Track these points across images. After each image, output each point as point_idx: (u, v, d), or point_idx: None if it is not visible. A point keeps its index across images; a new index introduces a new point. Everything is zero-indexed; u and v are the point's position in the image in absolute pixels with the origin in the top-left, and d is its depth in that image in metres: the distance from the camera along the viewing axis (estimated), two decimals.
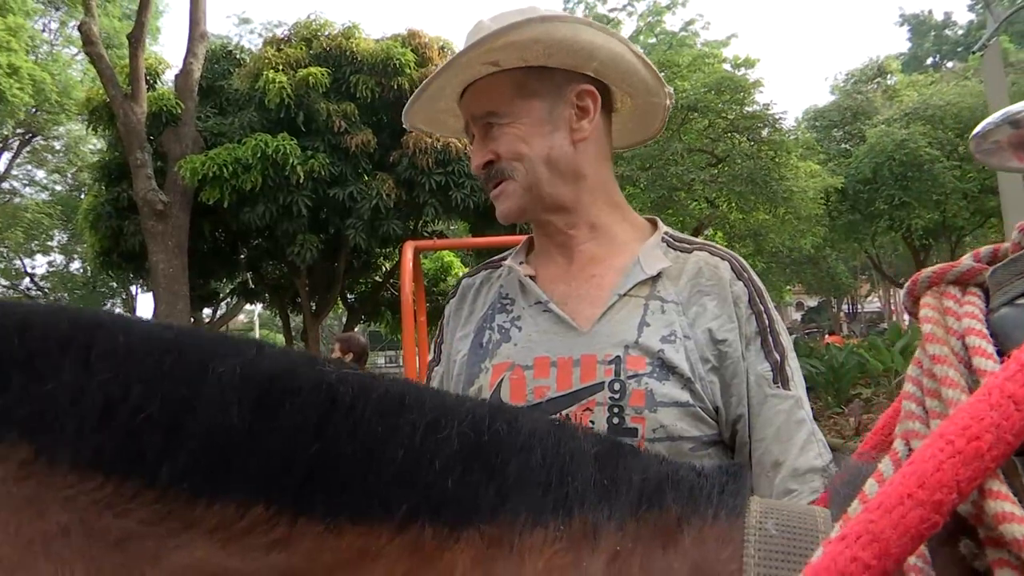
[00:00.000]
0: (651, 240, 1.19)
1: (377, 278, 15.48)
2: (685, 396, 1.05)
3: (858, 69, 24.35)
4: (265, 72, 10.91)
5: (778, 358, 1.09)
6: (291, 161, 10.24)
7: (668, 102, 1.25)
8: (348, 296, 16.04)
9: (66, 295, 27.57)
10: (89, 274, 25.40)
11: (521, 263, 1.24)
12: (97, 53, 10.25)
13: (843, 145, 20.74)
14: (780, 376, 1.09)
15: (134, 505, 0.42)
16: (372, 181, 11.06)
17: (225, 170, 10.08)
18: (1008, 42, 17.18)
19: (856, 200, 17.66)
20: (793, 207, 12.73)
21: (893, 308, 35.76)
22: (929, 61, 38.29)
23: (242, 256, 14.20)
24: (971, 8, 37.93)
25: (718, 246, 1.21)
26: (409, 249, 7.09)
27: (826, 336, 24.45)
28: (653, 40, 33.80)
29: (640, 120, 1.30)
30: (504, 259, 1.29)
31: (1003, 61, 13.04)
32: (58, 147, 24.58)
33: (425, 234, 12.54)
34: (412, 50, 11.53)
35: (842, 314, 40.71)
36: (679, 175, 12.30)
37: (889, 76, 23.56)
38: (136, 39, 10.54)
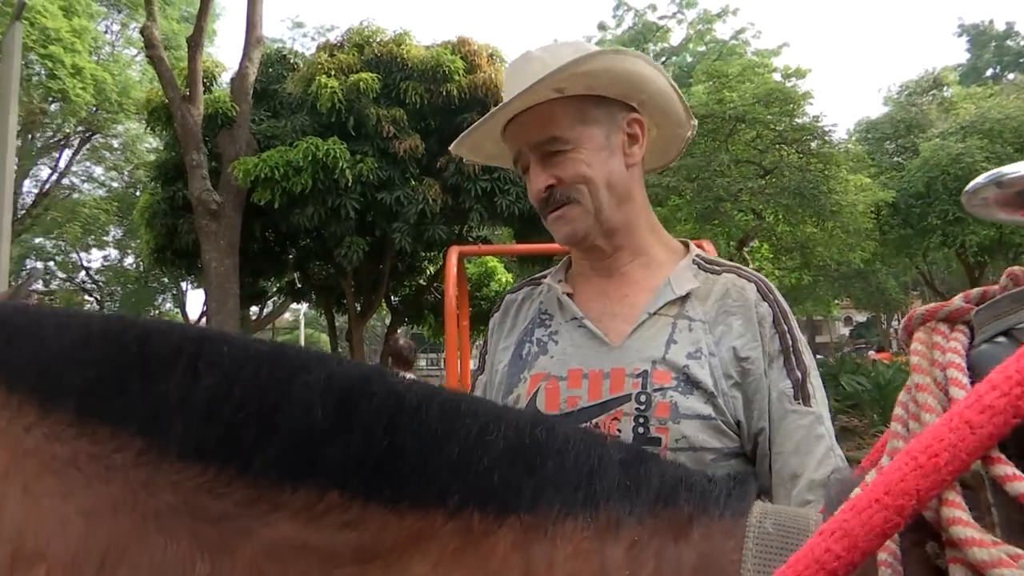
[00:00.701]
0: (683, 262, 1.26)
1: (421, 281, 15.65)
2: (708, 410, 1.11)
3: (913, 81, 23.83)
4: (318, 77, 11.14)
5: (800, 376, 1.15)
6: (340, 165, 10.44)
7: (691, 134, 1.34)
8: (392, 298, 16.24)
9: (119, 289, 28.36)
10: (142, 270, 26.06)
11: (560, 281, 1.32)
12: (158, 56, 10.58)
13: (895, 158, 20.34)
14: (801, 393, 1.14)
15: (230, 489, 0.51)
16: (419, 186, 11.21)
17: (277, 172, 10.31)
18: None
19: (908, 215, 17.29)
20: (842, 221, 12.53)
21: None
22: (989, 72, 37.31)
23: (290, 256, 14.49)
24: None
25: (746, 268, 1.27)
26: (454, 254, 7.17)
27: (873, 352, 23.93)
28: (703, 48, 33.55)
29: (661, 148, 1.38)
30: (544, 277, 1.37)
31: None
32: (116, 145, 25.28)
33: (470, 239, 12.65)
34: (461, 57, 11.66)
35: (892, 330, 39.83)
36: (726, 186, 12.20)
37: (945, 88, 23.02)
38: (195, 43, 10.84)
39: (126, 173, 25.92)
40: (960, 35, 40.74)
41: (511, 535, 0.50)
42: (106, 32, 23.27)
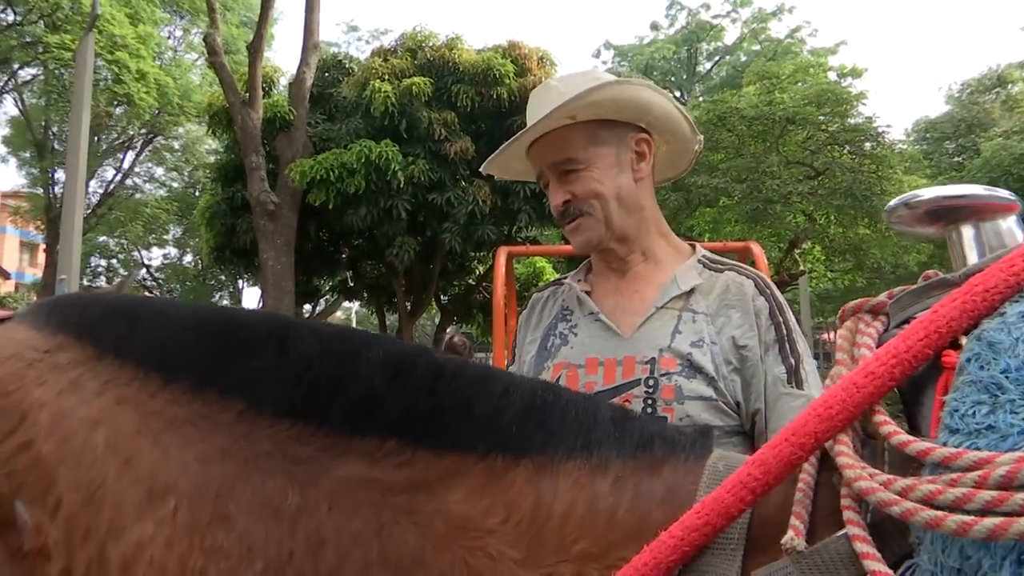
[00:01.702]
0: (688, 262, 1.43)
1: (470, 281, 15.85)
2: (709, 392, 1.27)
3: (975, 79, 23.18)
4: (372, 81, 11.42)
5: (793, 362, 1.30)
6: (393, 167, 10.69)
7: (697, 147, 1.51)
8: (442, 298, 16.47)
9: (178, 286, 29.18)
10: (200, 267, 26.81)
11: (579, 281, 1.49)
12: (219, 63, 10.97)
13: (956, 158, 19.84)
14: (795, 378, 1.29)
15: (312, 439, 0.68)
16: (469, 187, 11.41)
17: (332, 174, 10.63)
18: None
19: None
20: None
21: None
22: None
23: (343, 256, 14.84)
24: None
25: (746, 267, 1.43)
26: (502, 255, 7.27)
27: None
28: (757, 47, 33.04)
29: (672, 160, 1.54)
30: (566, 278, 1.55)
31: None
32: (176, 147, 26.04)
33: (518, 240, 12.79)
34: (512, 61, 11.82)
35: None
36: (776, 188, 12.10)
37: (1010, 85, 22.32)
38: (255, 49, 11.21)
39: (186, 174, 26.70)
40: None
41: (525, 472, 0.65)
42: (168, 37, 24.02)
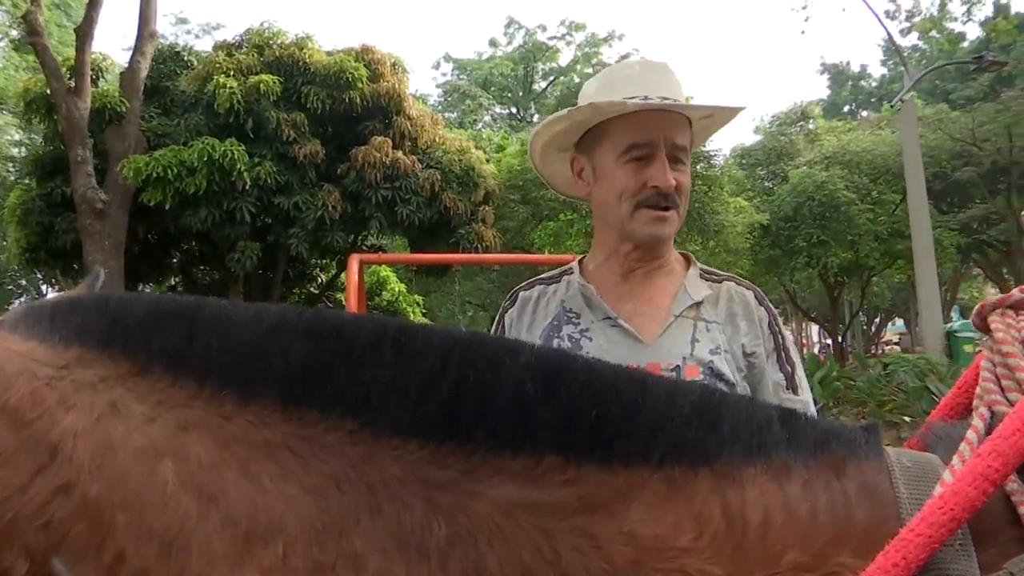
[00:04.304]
0: (691, 272, 1.45)
1: (313, 289, 15.39)
2: None
3: (783, 112, 25.50)
4: (216, 76, 10.85)
5: (790, 370, 1.39)
6: (238, 167, 10.21)
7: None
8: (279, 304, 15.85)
9: None
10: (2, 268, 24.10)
11: (583, 284, 1.45)
12: (42, 45, 10.01)
13: (767, 183, 21.71)
14: (791, 384, 1.38)
15: (451, 460, 0.58)
16: (318, 192, 11.10)
17: (170, 172, 9.96)
18: (917, 98, 18.43)
19: (778, 237, 18.46)
20: (723, 240, 13.34)
21: (805, 341, 37.34)
22: (846, 108, 40.43)
23: (174, 260, 13.94)
24: (883, 63, 40.32)
25: (739, 278, 1.49)
26: (355, 262, 7.14)
27: None
28: (589, 70, 34.61)
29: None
30: (552, 278, 1.51)
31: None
32: None
33: (365, 247, 12.60)
34: (365, 65, 11.64)
35: None
36: None
37: (811, 120, 24.76)
38: (84, 33, 10.33)
39: None
40: (822, 72, 43.99)
41: (707, 482, 0.59)
42: None
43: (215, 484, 0.57)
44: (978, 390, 0.70)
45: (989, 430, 0.62)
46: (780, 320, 1.45)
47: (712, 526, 0.57)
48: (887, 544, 0.54)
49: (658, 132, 1.33)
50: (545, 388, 0.59)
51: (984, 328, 0.73)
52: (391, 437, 0.58)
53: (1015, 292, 0.73)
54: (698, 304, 1.39)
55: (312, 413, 0.59)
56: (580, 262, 1.53)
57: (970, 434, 0.64)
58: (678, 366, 1.32)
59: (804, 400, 1.37)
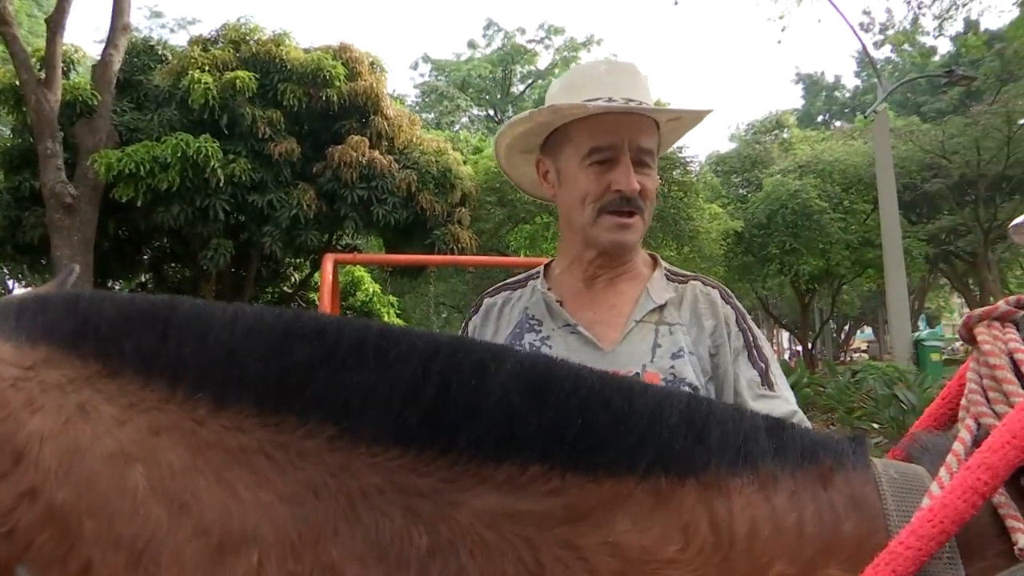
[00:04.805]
0: (656, 274, 1.43)
1: (286, 288, 15.24)
2: None
3: (758, 121, 25.81)
4: (191, 72, 10.70)
5: (763, 366, 1.36)
6: (212, 164, 10.05)
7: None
8: (255, 304, 15.69)
9: None
10: None
11: (548, 289, 1.44)
12: (12, 35, 9.78)
13: (741, 191, 21.93)
14: (766, 380, 1.35)
15: (432, 468, 0.56)
16: (293, 190, 10.98)
17: (142, 168, 9.79)
18: (889, 110, 18.73)
19: (751, 243, 18.67)
20: (697, 246, 13.44)
21: (776, 347, 37.73)
22: (820, 118, 41.00)
23: (145, 257, 13.73)
24: (857, 75, 40.96)
25: (706, 277, 1.48)
26: (329, 262, 7.09)
27: None
28: None
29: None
30: (518, 282, 1.49)
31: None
32: None
33: (339, 247, 12.50)
34: (343, 63, 11.55)
35: None
36: None
37: (785, 129, 25.07)
38: (56, 23, 10.13)
39: None
40: (797, 82, 44.57)
41: (693, 492, 0.58)
42: None
43: (187, 491, 0.55)
44: (964, 401, 0.70)
45: (976, 442, 0.62)
46: (749, 317, 1.42)
47: (699, 537, 0.56)
48: (876, 556, 0.54)
49: (622, 135, 1.30)
50: (531, 396, 0.58)
51: (970, 339, 0.73)
52: (371, 444, 0.56)
53: (1001, 304, 0.73)
54: (661, 308, 1.37)
55: (290, 419, 0.57)
56: (547, 267, 1.51)
57: (957, 446, 0.63)
58: (637, 373, 1.29)
59: (783, 395, 1.33)
